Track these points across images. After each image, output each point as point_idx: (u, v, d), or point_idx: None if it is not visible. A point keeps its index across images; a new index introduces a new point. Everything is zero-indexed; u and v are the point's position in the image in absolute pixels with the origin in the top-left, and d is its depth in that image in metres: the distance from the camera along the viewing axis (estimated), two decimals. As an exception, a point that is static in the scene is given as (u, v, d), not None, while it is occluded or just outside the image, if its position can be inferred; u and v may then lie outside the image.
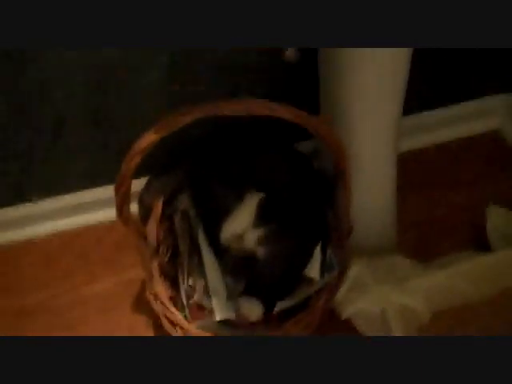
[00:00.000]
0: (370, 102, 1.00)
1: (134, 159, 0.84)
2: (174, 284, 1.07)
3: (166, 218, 1.12)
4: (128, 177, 0.86)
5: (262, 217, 1.00)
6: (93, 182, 1.23)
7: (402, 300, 1.00)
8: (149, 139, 0.83)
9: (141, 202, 1.14)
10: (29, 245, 1.25)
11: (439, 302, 1.05)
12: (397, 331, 0.98)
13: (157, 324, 1.08)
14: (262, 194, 1.02)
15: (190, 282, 1.03)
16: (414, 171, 1.27)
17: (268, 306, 1.01)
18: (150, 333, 1.11)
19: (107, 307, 1.16)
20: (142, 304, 1.12)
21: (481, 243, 1.13)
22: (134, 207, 1.13)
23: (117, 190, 0.88)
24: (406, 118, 1.25)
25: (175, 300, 1.04)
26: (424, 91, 1.24)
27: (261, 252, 0.99)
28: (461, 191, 1.25)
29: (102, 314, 1.15)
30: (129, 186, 0.88)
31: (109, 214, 1.17)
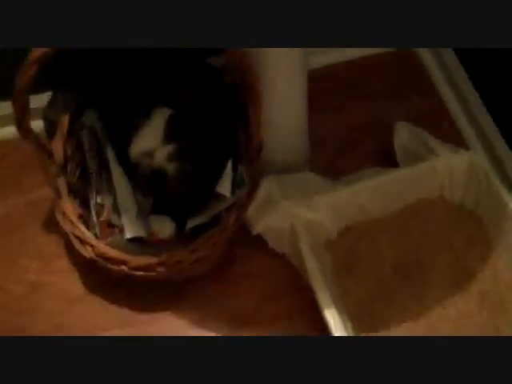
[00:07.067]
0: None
1: (29, 70, 0.79)
2: (83, 203, 1.04)
3: (73, 134, 1.08)
4: (23, 89, 0.81)
5: (171, 133, 0.98)
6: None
7: (310, 215, 1.02)
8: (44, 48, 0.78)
9: (45, 118, 1.09)
10: None
11: (346, 218, 1.08)
12: (304, 245, 1.00)
13: (67, 244, 1.07)
14: (170, 110, 0.99)
15: (99, 200, 1.01)
16: (324, 88, 1.25)
17: (180, 224, 1.01)
18: (60, 251, 1.09)
19: (14, 228, 1.13)
20: (51, 224, 1.09)
21: (389, 160, 1.15)
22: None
23: (14, 104, 0.83)
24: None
25: (85, 219, 1.02)
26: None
27: (170, 169, 0.97)
28: (370, 107, 1.25)
29: (10, 235, 1.12)
30: (26, 100, 0.83)
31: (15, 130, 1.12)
